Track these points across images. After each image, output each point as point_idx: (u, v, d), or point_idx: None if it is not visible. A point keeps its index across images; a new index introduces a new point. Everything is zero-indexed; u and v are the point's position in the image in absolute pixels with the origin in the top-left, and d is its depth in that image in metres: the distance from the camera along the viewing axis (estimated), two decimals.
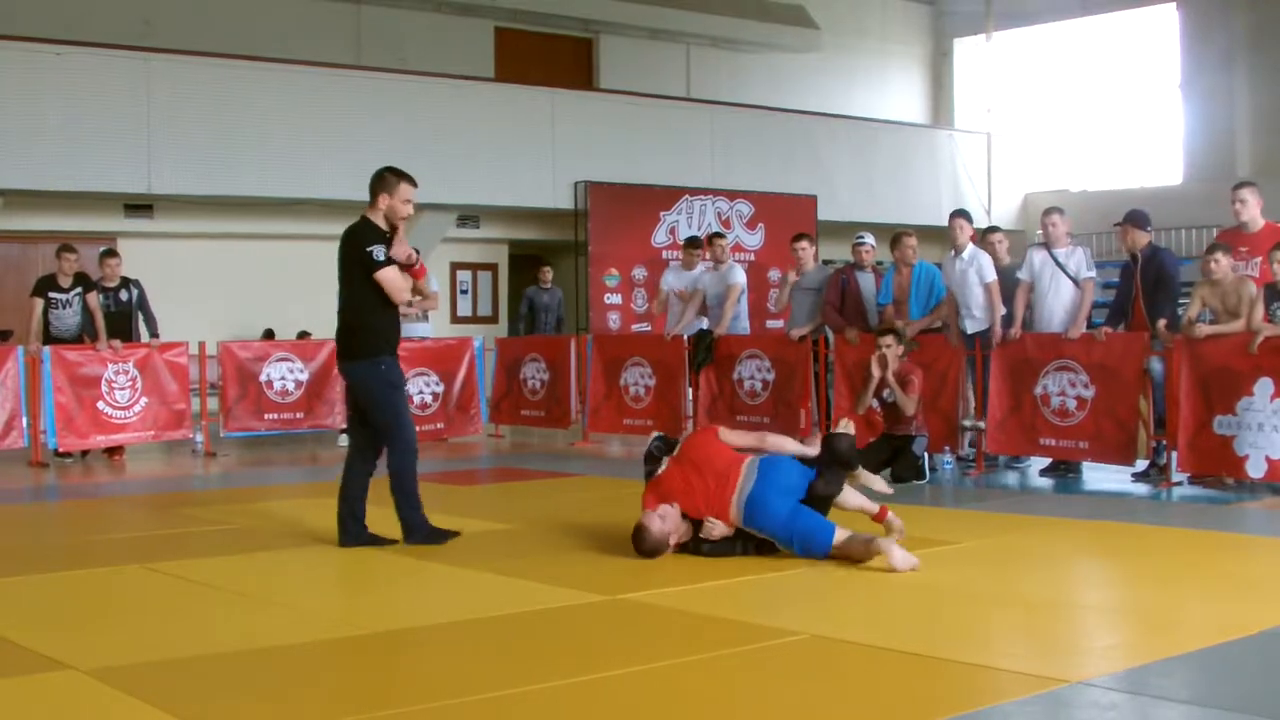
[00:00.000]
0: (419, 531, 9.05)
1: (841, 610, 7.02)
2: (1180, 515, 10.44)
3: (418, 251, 9.18)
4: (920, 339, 13.26)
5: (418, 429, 16.11)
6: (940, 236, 13.83)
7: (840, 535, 8.02)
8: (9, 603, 7.41)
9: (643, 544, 8.27)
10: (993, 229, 14.19)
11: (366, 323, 9.02)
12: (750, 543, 8.29)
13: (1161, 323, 11.93)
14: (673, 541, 8.29)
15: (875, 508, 8.65)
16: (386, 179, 8.95)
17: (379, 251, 8.81)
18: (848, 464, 8.53)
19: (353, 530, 9.06)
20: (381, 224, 8.95)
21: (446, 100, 21.08)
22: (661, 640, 6.43)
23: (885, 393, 12.32)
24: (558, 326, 19.70)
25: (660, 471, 8.57)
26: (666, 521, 8.27)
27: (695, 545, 8.35)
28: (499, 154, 20.53)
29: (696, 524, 8.36)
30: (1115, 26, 27.85)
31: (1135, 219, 12.44)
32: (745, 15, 26.39)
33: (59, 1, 19.98)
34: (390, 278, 8.87)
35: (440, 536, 9.08)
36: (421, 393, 16.64)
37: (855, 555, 7.98)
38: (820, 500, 8.33)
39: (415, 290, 9.21)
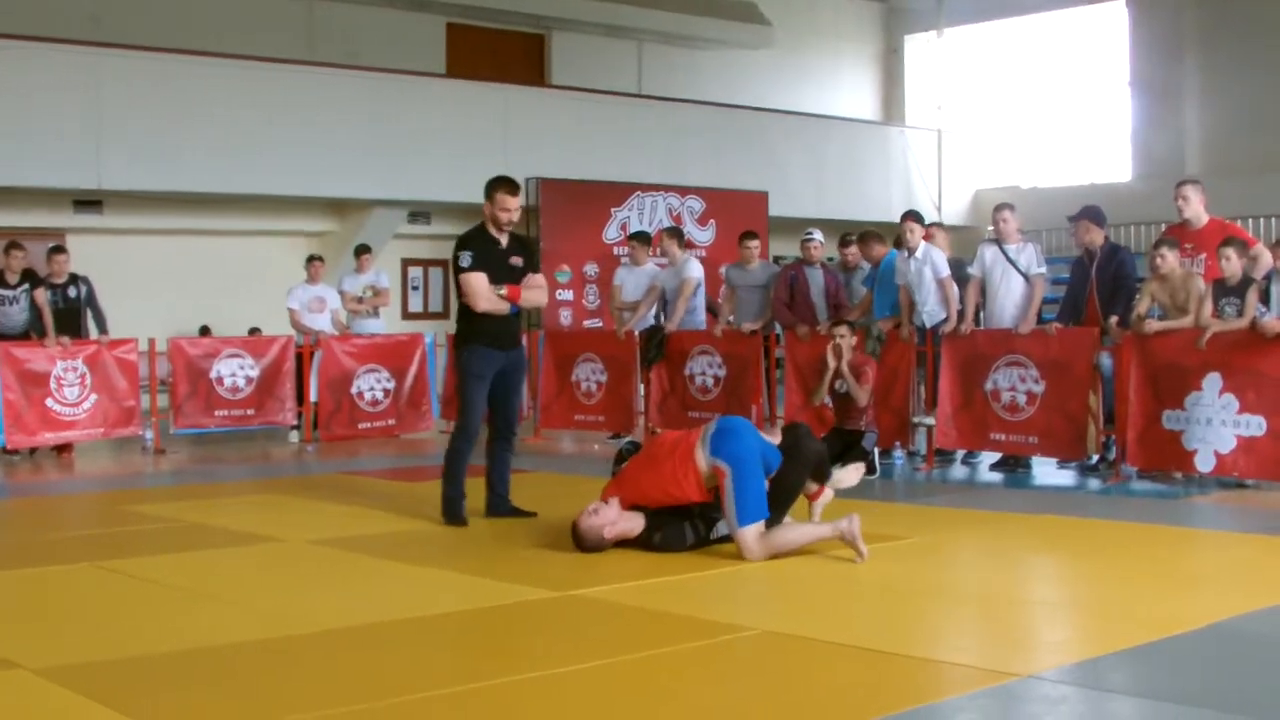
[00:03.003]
0: (445, 509, 9.84)
1: (792, 605, 7.04)
2: (1129, 510, 10.48)
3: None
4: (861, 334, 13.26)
5: (368, 425, 16.28)
6: (891, 232, 13.88)
7: (760, 529, 8.06)
8: None
9: (577, 540, 8.37)
10: (933, 223, 14.15)
11: (464, 315, 9.83)
12: (700, 530, 8.32)
13: (1113, 319, 11.98)
14: (608, 534, 8.29)
15: (813, 486, 8.79)
16: (488, 187, 9.74)
17: (464, 258, 9.61)
18: (818, 464, 8.69)
19: (490, 501, 10.00)
20: (491, 229, 9.76)
21: (398, 96, 21.02)
22: (613, 636, 6.42)
23: (838, 383, 12.36)
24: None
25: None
26: (599, 515, 8.32)
27: (647, 538, 8.37)
28: (450, 150, 20.47)
29: (648, 517, 8.39)
30: (1065, 24, 27.98)
31: (1092, 215, 12.48)
32: (697, 12, 26.37)
33: None
34: (467, 281, 9.63)
35: (455, 519, 9.75)
36: (373, 389, 16.60)
37: (783, 550, 8.10)
38: (785, 492, 8.38)
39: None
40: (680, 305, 15.41)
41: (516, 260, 9.81)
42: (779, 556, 8.04)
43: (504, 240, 9.78)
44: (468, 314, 9.73)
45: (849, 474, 9.46)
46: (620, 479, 8.59)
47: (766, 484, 8.21)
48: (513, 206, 9.69)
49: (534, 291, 9.88)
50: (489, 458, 10.04)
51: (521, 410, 16.92)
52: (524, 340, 10.19)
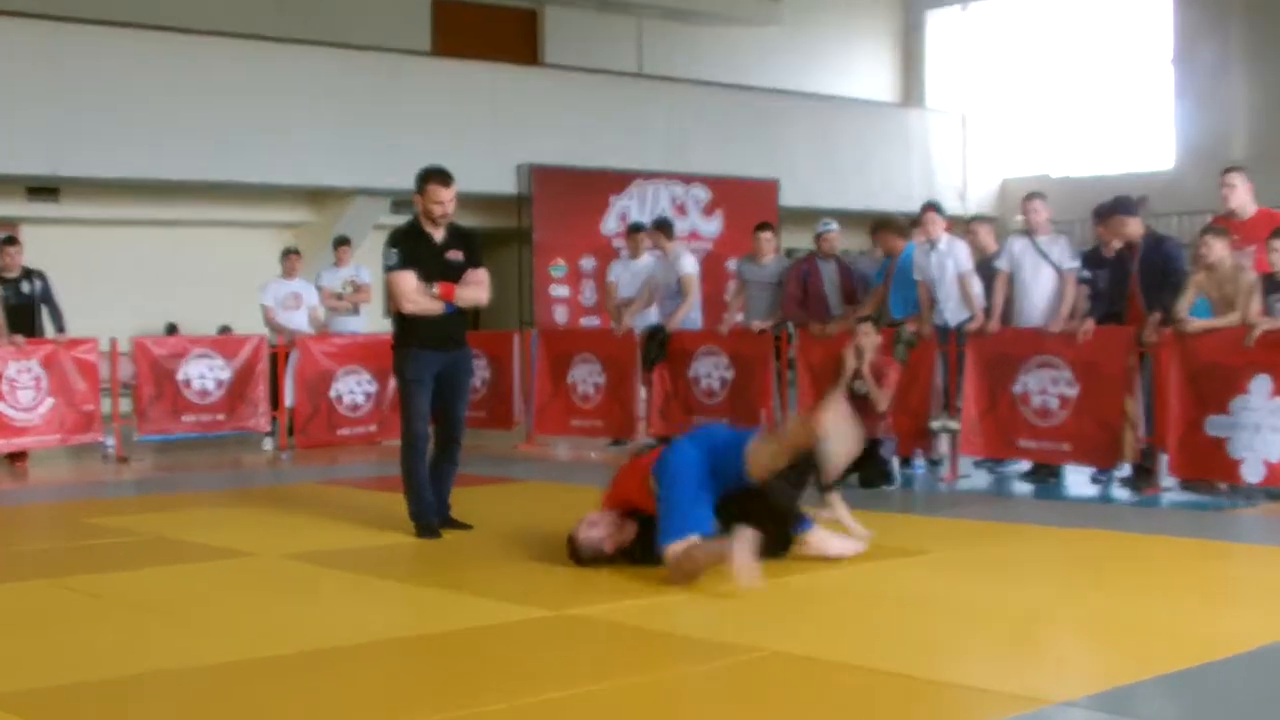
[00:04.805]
0: (416, 525, 9.85)
1: (804, 624, 7.03)
2: (1169, 523, 10.47)
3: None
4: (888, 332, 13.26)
5: (348, 431, 16.28)
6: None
7: (682, 545, 7.81)
8: None
9: (574, 553, 8.34)
10: (975, 217, 14.18)
11: (398, 317, 9.89)
12: None
13: (1156, 316, 11.82)
14: (608, 547, 8.28)
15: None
16: (418, 179, 9.83)
17: (391, 256, 9.70)
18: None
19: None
20: (425, 223, 9.82)
21: (380, 76, 21.06)
22: (610, 659, 6.43)
23: (857, 384, 12.30)
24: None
25: None
26: (596, 527, 8.31)
27: (630, 551, 8.33)
28: (436, 135, 20.47)
29: (639, 524, 8.36)
30: None
31: (1123, 207, 12.35)
32: None
33: None
34: (393, 281, 9.72)
35: (427, 532, 9.75)
36: (353, 392, 16.60)
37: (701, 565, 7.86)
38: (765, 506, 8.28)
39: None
40: (686, 303, 15.37)
41: (455, 255, 9.83)
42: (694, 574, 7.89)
43: (439, 235, 9.80)
44: (401, 315, 9.81)
45: (845, 543, 8.72)
46: (610, 485, 8.58)
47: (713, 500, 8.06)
48: (445, 199, 9.71)
49: (472, 289, 9.88)
50: (430, 466, 10.09)
51: (516, 413, 17.01)
52: (467, 342, 10.15)
